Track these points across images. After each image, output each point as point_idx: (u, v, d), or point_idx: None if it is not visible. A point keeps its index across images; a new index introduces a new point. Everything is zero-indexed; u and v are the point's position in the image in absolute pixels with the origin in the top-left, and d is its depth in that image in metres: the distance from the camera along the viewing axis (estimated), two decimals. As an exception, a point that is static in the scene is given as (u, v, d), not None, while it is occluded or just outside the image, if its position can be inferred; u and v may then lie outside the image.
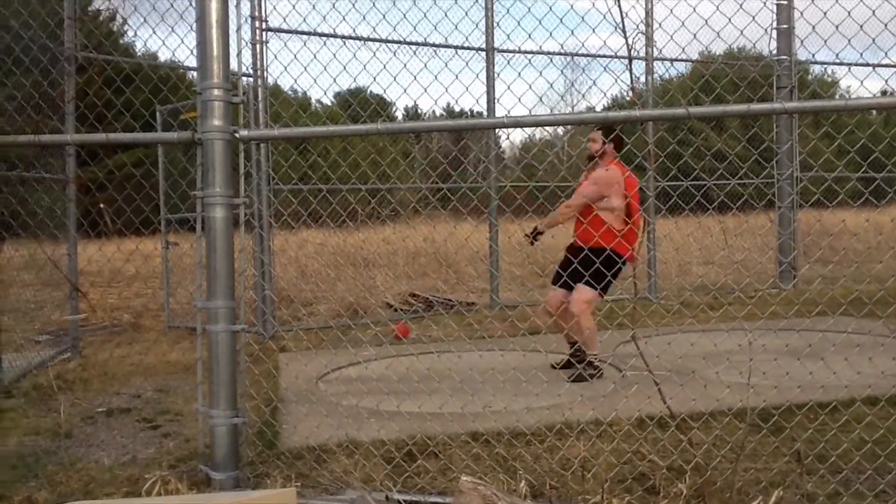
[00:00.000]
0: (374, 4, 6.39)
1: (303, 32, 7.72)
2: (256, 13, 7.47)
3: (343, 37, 8.02)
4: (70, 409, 5.17)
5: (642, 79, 8.67)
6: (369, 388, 5.38)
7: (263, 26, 7.52)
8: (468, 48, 8.63)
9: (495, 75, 8.75)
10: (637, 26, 2.82)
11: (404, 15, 6.75)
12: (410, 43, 8.39)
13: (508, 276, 10.65)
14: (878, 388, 4.67)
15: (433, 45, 8.54)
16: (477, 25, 8.29)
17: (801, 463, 3.10)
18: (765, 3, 3.59)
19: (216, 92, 3.02)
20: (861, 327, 6.62)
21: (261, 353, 6.54)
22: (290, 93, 11.02)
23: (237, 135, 3.03)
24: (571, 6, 3.13)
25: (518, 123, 3.35)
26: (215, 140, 3.02)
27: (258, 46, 7.47)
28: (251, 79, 7.52)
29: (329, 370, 6.04)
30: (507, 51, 8.81)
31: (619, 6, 2.80)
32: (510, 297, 9.69)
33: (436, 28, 7.84)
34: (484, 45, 8.77)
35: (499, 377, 5.41)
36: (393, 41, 8.29)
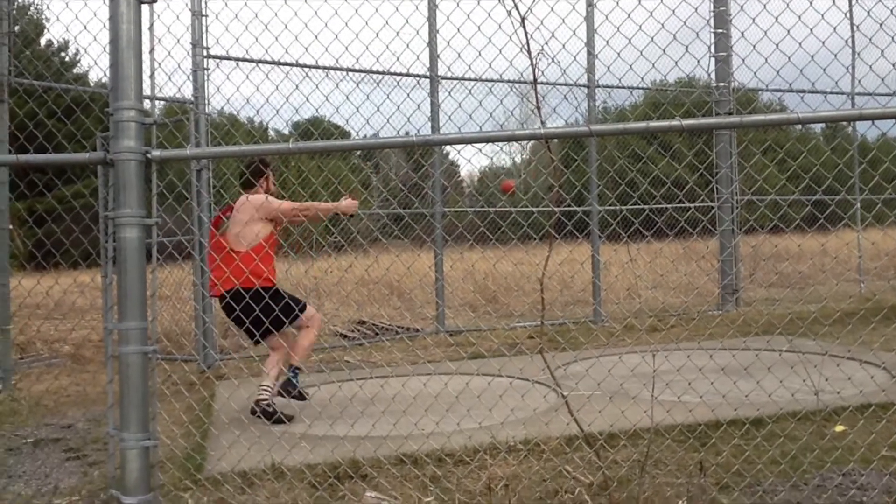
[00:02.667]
0: (316, 37, 6.45)
1: (244, 59, 7.74)
2: (198, 41, 7.50)
3: (285, 64, 8.05)
4: (-6, 441, 5.04)
5: (584, 105, 8.85)
6: (307, 414, 5.34)
7: (205, 53, 7.53)
8: (412, 75, 8.72)
9: (439, 102, 8.85)
10: (542, 47, 2.89)
11: (346, 47, 6.81)
12: (354, 70, 8.46)
13: (458, 303, 10.69)
14: (805, 403, 4.76)
15: (378, 72, 8.61)
16: (418, 57, 8.39)
17: (703, 473, 3.14)
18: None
19: (129, 113, 3.02)
20: (797, 346, 6.75)
21: (196, 382, 6.45)
22: (224, 119, 10.99)
23: (149, 155, 3.02)
24: (510, 38, 3.20)
25: (445, 141, 3.39)
26: (128, 160, 3.00)
27: (199, 73, 7.49)
28: (193, 104, 7.53)
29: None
30: (451, 78, 8.92)
31: (525, 30, 2.87)
32: (459, 323, 9.71)
33: (377, 60, 7.90)
34: (428, 73, 8.87)
35: (439, 402, 5.40)
36: (333, 68, 8.35)
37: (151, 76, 3.14)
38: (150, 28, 3.13)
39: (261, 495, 3.64)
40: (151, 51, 3.13)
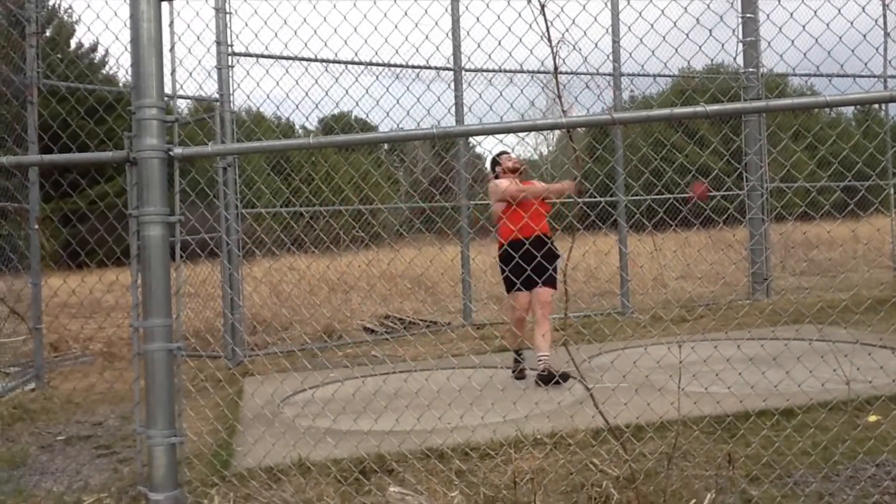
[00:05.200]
0: (335, 31, 6.46)
1: (266, 56, 7.76)
2: (222, 38, 7.53)
3: (314, 59, 8.07)
4: (28, 439, 5.11)
5: (607, 94, 8.79)
6: (332, 409, 5.35)
7: (229, 51, 7.57)
8: (434, 68, 8.69)
9: (462, 94, 8.82)
10: (562, 35, 2.86)
11: (365, 40, 6.82)
12: (375, 64, 8.44)
13: (486, 296, 10.66)
14: (836, 393, 4.68)
15: (400, 65, 8.60)
16: (437, 48, 8.36)
17: (732, 465, 3.09)
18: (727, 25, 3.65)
19: (151, 111, 3.03)
20: (828, 335, 6.64)
21: (221, 379, 6.50)
22: (245, 117, 11.05)
23: (172, 153, 3.03)
24: (530, 26, 3.16)
25: (466, 132, 3.37)
26: (150, 158, 3.02)
27: (224, 70, 7.53)
28: (218, 102, 7.58)
29: (292, 393, 6.00)
30: (474, 70, 8.89)
31: (545, 17, 2.83)
32: (486, 316, 9.68)
33: (397, 52, 7.88)
34: (451, 66, 8.84)
35: (463, 396, 5.39)
36: (355, 62, 8.34)
37: (172, 73, 3.15)
38: (171, 26, 3.13)
39: (287, 491, 3.65)
40: (172, 48, 3.14)
